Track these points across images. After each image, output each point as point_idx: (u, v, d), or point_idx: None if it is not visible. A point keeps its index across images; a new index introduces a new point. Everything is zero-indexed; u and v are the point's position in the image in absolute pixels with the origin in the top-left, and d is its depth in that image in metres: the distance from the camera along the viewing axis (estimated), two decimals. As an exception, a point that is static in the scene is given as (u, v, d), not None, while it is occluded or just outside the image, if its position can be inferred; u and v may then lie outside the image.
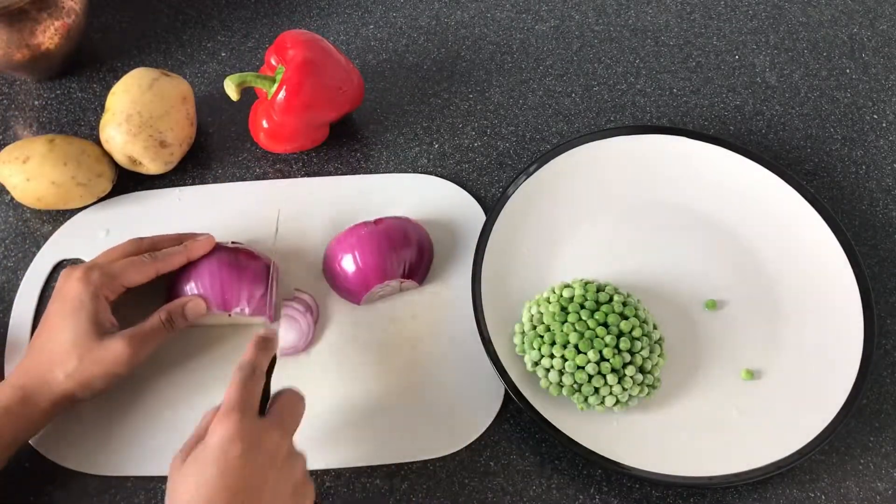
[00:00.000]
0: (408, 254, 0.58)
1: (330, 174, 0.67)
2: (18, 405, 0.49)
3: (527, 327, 0.56)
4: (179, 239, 0.57)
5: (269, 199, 0.65)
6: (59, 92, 0.71)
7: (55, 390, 0.50)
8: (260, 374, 0.47)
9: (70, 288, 0.52)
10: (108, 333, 0.51)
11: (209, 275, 0.56)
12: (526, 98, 0.72)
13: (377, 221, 0.60)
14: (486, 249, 0.59)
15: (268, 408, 0.47)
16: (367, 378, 0.57)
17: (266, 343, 0.48)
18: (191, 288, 0.56)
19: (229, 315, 0.57)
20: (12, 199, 0.64)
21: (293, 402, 0.47)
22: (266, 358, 0.48)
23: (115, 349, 0.51)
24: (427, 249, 0.60)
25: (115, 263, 0.53)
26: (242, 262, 0.57)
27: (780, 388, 0.56)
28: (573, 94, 0.72)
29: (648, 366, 0.53)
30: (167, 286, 0.57)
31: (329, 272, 0.60)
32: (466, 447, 0.55)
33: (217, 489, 0.41)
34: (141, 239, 0.56)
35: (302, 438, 0.55)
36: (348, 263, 0.58)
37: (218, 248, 0.57)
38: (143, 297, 0.56)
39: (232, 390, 0.45)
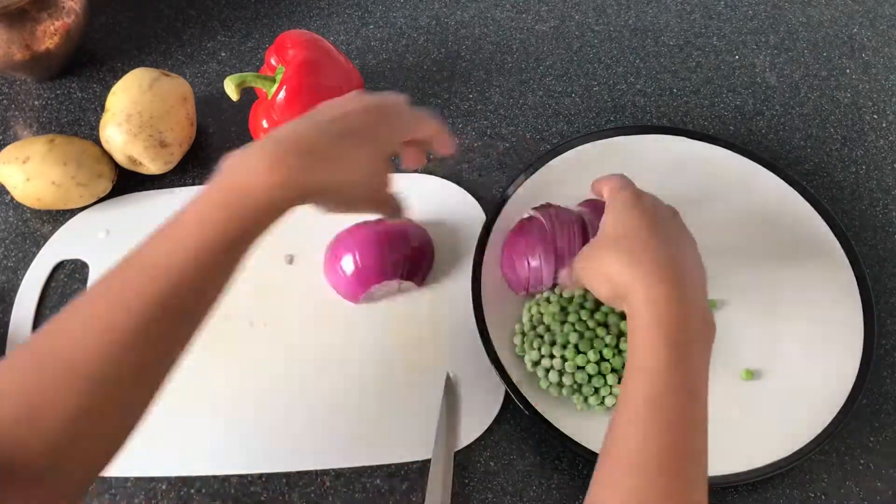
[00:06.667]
0: (407, 254, 0.58)
1: (330, 174, 0.66)
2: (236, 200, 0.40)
3: (527, 327, 0.56)
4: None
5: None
6: (59, 92, 0.71)
7: (275, 193, 0.41)
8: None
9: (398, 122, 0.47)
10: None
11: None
12: (526, 98, 0.72)
13: (378, 222, 0.60)
14: (486, 249, 0.59)
15: None
16: (367, 377, 0.57)
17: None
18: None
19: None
20: (12, 199, 0.64)
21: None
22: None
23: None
24: (427, 251, 0.60)
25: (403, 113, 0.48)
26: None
27: (780, 388, 0.56)
28: (573, 94, 0.72)
29: (648, 366, 0.53)
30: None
31: (329, 271, 0.60)
32: (466, 447, 0.55)
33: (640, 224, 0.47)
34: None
35: (302, 438, 0.55)
36: (348, 263, 0.58)
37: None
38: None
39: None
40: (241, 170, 0.41)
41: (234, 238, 0.40)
